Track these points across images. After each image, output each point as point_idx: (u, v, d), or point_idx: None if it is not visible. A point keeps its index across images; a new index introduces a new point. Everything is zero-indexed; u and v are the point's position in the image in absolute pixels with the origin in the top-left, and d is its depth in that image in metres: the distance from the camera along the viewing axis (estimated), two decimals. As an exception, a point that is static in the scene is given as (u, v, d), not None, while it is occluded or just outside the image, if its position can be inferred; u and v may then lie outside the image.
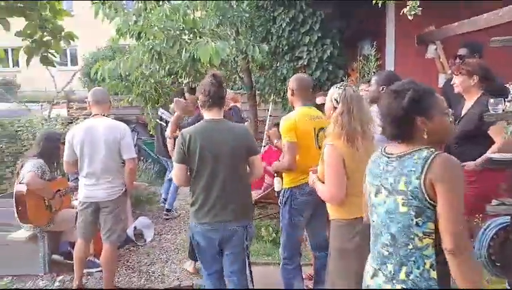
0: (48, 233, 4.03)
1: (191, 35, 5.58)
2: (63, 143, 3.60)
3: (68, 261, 4.04)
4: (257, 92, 5.98)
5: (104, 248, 3.54)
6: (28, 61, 1.93)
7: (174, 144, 3.28)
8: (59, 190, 4.00)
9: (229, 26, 5.28)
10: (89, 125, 3.46)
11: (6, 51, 18.00)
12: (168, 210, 5.70)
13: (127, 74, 5.65)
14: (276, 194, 3.24)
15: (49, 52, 1.89)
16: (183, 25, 5.20)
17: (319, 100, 3.93)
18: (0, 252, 3.92)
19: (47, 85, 13.67)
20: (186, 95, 5.21)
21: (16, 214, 3.88)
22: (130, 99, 5.95)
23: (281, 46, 4.92)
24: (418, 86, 1.67)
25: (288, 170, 3.05)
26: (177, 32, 5.21)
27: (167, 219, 5.60)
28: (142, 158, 7.21)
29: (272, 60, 5.38)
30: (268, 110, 6.44)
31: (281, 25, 4.84)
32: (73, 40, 1.94)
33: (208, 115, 2.77)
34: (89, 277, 3.91)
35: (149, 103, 5.89)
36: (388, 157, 1.73)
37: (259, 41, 4.98)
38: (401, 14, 3.69)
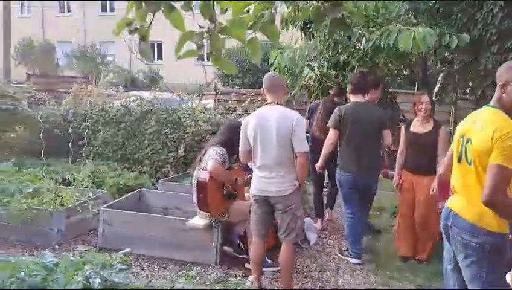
0: (222, 223, 3.92)
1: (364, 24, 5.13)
2: None
3: (237, 255, 3.92)
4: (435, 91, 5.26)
5: (282, 247, 3.34)
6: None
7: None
8: (236, 179, 3.87)
9: (416, 14, 4.67)
10: (262, 113, 3.27)
11: (152, 45, 20.09)
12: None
13: (291, 67, 5.44)
14: None
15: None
16: (364, 13, 4.76)
17: None
18: (177, 237, 3.93)
19: (186, 78, 14.55)
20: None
21: (195, 201, 3.83)
22: (293, 93, 5.75)
23: (488, 35, 4.14)
24: None
25: None
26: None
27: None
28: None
29: (462, 53, 4.63)
30: (451, 114, 5.61)
31: (491, 9, 4.06)
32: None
33: (354, 98, 3.95)
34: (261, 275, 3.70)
35: (312, 95, 5.63)
36: None
37: (455, 30, 4.28)
38: None
